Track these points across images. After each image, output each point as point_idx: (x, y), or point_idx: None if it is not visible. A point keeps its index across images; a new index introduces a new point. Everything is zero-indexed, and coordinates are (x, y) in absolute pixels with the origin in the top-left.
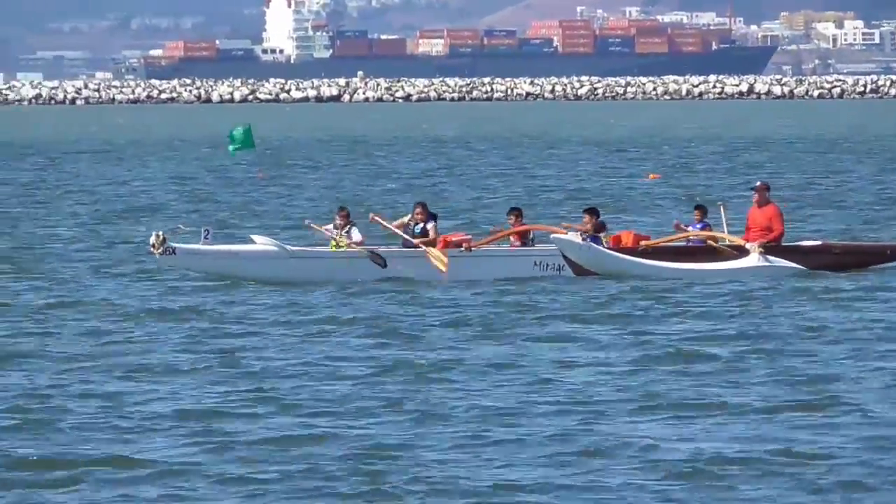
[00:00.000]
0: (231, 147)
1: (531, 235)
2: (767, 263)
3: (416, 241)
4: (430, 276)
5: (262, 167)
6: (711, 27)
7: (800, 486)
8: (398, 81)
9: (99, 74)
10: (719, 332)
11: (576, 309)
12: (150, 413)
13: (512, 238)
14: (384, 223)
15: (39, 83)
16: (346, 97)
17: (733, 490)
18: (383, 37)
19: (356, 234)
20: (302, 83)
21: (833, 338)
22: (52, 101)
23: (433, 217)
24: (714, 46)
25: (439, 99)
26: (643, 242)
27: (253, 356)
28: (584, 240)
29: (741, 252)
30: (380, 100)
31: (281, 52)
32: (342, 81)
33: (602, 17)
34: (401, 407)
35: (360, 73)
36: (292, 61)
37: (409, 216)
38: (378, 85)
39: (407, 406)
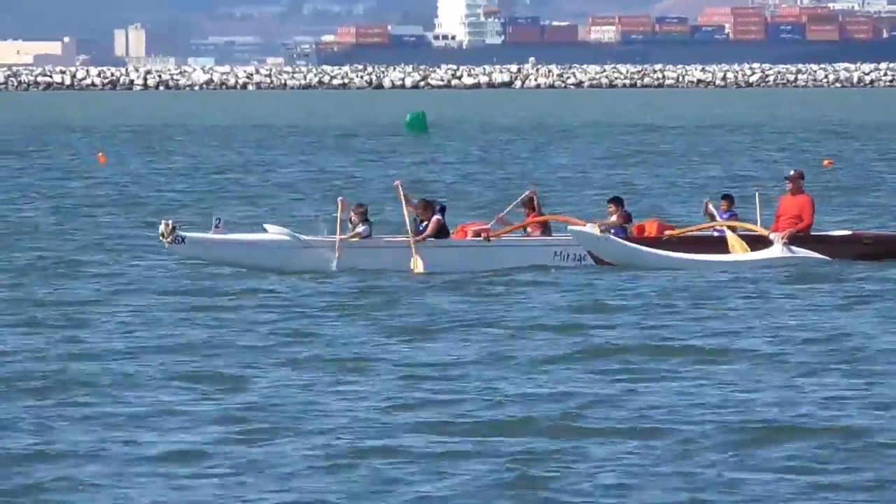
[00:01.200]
0: (407, 129)
1: (549, 225)
2: (791, 254)
3: (411, 239)
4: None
5: (433, 154)
6: (883, 14)
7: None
8: (569, 68)
9: (270, 60)
10: (736, 327)
11: (586, 301)
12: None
13: (530, 228)
14: (403, 196)
15: (211, 68)
16: (518, 84)
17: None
18: (555, 23)
19: (360, 228)
20: (473, 69)
21: (854, 332)
22: (224, 87)
23: (441, 209)
24: (886, 34)
25: (611, 86)
26: (667, 232)
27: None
28: (602, 231)
29: (765, 243)
30: (551, 86)
31: (453, 37)
32: (514, 68)
33: (773, 4)
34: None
35: (531, 59)
36: (464, 47)
37: (421, 201)
38: (549, 72)
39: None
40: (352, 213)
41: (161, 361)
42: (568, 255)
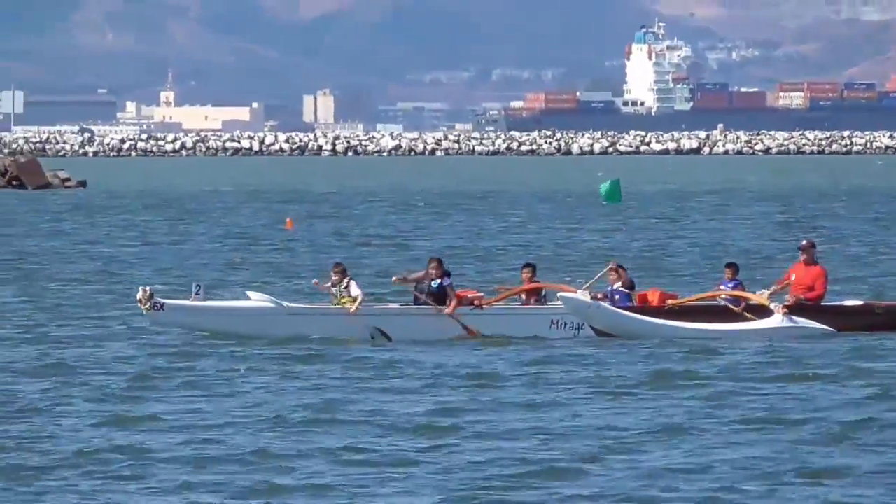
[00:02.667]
0: (603, 197)
1: (543, 293)
2: (791, 324)
3: (448, 309)
4: (436, 336)
5: (624, 221)
6: None
7: None
8: (757, 134)
9: (458, 126)
10: (725, 399)
11: (583, 373)
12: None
13: (524, 296)
14: (405, 278)
15: (399, 134)
16: (706, 150)
17: None
18: (743, 89)
19: (354, 289)
20: (662, 135)
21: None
22: (412, 153)
23: (447, 273)
24: None
25: (798, 152)
26: (669, 301)
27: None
28: (594, 299)
29: (766, 313)
30: (739, 152)
31: (642, 103)
32: (702, 134)
33: None
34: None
35: (719, 125)
36: (653, 113)
37: (424, 271)
38: (738, 138)
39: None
40: (332, 274)
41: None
42: (565, 325)
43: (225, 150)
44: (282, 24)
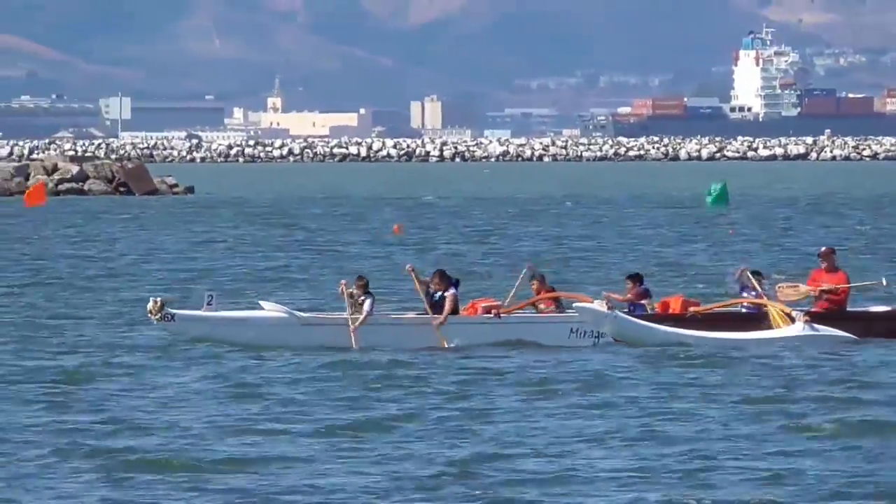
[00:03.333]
0: (708, 202)
1: (562, 302)
2: (813, 332)
3: (435, 320)
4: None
5: (734, 226)
6: None
7: None
8: (865, 140)
9: (566, 131)
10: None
11: (592, 379)
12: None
13: (544, 304)
14: (416, 279)
15: (507, 140)
16: (813, 155)
17: None
18: (850, 95)
19: (367, 305)
20: (769, 141)
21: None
22: (520, 159)
23: (455, 283)
24: None
25: None
26: (691, 308)
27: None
28: (610, 308)
29: (789, 320)
30: (847, 158)
31: (749, 109)
32: (809, 140)
33: None
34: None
35: (827, 131)
36: (760, 119)
37: (430, 278)
38: (845, 143)
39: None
40: (353, 288)
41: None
42: (584, 333)
43: (332, 156)
44: (389, 30)
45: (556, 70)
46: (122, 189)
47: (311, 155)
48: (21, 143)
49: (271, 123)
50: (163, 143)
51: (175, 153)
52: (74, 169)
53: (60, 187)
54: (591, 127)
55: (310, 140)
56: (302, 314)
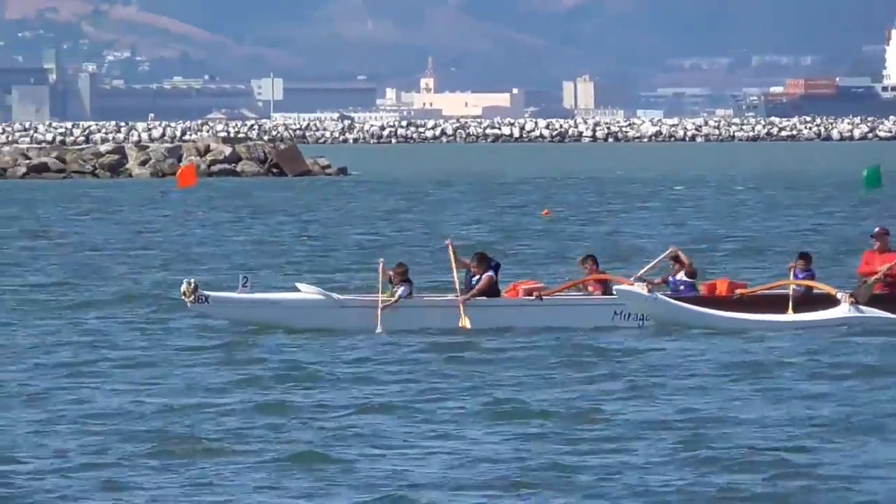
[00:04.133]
0: (864, 183)
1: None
2: (858, 314)
3: (460, 298)
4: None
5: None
6: None
7: None
8: None
9: (718, 111)
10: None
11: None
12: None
13: (590, 287)
14: (453, 256)
15: (660, 120)
16: None
17: None
18: None
19: (399, 292)
20: None
21: None
22: (672, 139)
23: (495, 267)
24: None
25: None
26: (738, 291)
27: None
28: (650, 291)
29: (833, 303)
30: None
31: None
32: None
33: None
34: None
35: None
36: None
37: (469, 259)
38: None
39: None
40: (391, 273)
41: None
42: (629, 316)
43: (485, 136)
44: (542, 10)
45: (708, 50)
46: (274, 170)
47: (463, 135)
48: (174, 124)
49: (424, 104)
50: (315, 125)
51: (327, 134)
52: (227, 150)
53: (213, 168)
54: (743, 107)
55: (462, 120)
56: (338, 296)
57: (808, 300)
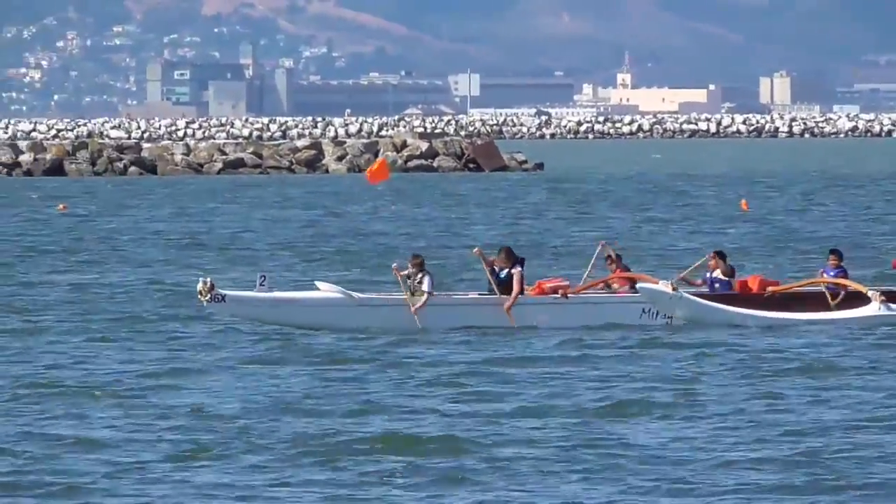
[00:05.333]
0: None
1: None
2: (889, 312)
3: (507, 307)
4: (494, 324)
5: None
6: None
7: None
8: None
9: None
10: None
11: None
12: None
13: (618, 284)
14: (484, 261)
15: (856, 116)
16: None
17: None
18: None
19: (426, 284)
20: None
21: None
22: (869, 134)
23: (520, 261)
24: None
25: None
26: (770, 288)
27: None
28: (675, 289)
29: (865, 301)
30: None
31: None
32: None
33: None
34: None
35: None
36: None
37: (497, 256)
38: None
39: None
40: (409, 265)
41: None
42: (656, 314)
43: (682, 132)
44: (739, 6)
45: None
46: (471, 165)
47: (660, 131)
48: (370, 119)
49: (620, 100)
50: (512, 120)
51: (524, 130)
52: (424, 145)
53: (410, 164)
54: None
55: (659, 116)
56: (358, 295)
57: (840, 299)
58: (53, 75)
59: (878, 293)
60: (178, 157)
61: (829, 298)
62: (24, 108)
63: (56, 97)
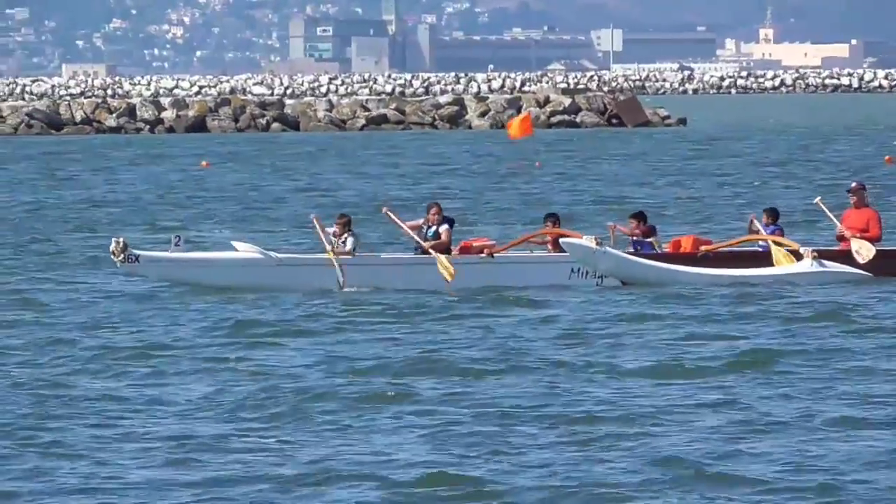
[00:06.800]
0: None
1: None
2: (821, 269)
3: (427, 244)
4: (436, 285)
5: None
6: None
7: None
8: None
9: None
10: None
11: (582, 320)
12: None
13: (550, 245)
14: (396, 220)
15: None
16: None
17: None
18: None
19: (348, 244)
20: None
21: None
22: None
23: (449, 221)
24: None
25: None
26: (703, 247)
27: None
28: (599, 244)
29: (797, 257)
30: None
31: None
32: None
33: None
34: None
35: None
36: None
37: (423, 218)
38: None
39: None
40: (335, 226)
41: None
42: (586, 273)
43: (824, 87)
44: None
45: None
46: (613, 121)
47: (802, 86)
48: (513, 75)
49: (763, 55)
50: (654, 75)
51: (667, 85)
52: (566, 101)
53: (552, 119)
54: None
55: (801, 71)
56: (277, 255)
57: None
58: (196, 31)
59: (810, 250)
60: (320, 114)
61: (764, 256)
62: (167, 64)
63: (198, 53)
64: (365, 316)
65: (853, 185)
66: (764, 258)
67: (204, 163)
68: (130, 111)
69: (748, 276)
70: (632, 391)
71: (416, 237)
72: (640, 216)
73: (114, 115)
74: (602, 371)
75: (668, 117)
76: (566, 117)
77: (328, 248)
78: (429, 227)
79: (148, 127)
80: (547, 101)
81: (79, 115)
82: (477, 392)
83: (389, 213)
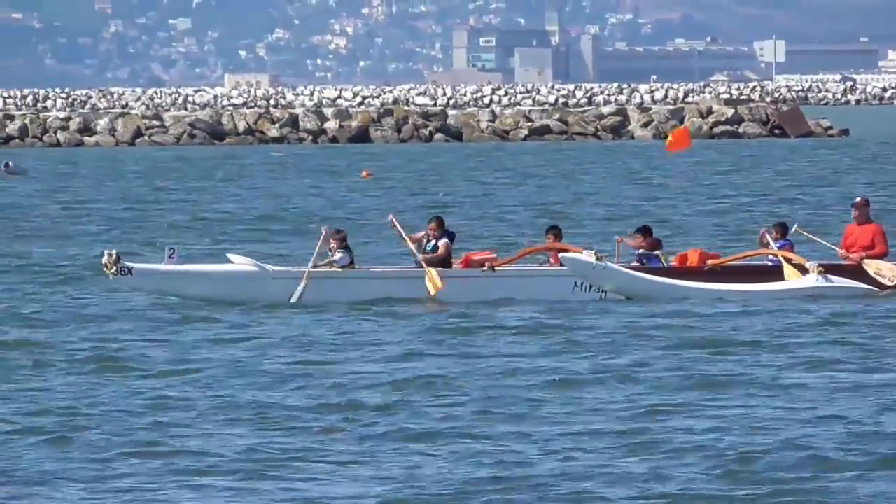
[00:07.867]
0: None
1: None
2: (827, 284)
3: (420, 256)
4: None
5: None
6: None
7: None
8: None
9: None
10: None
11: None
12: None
13: (552, 258)
14: (400, 230)
15: None
16: None
17: None
18: None
19: (336, 256)
20: None
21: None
22: None
23: (449, 235)
24: None
25: None
26: (710, 261)
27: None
28: (599, 259)
29: (803, 272)
30: None
31: None
32: None
33: None
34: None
35: None
36: None
37: (424, 232)
38: None
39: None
40: (332, 242)
41: None
42: (590, 288)
43: None
44: None
45: None
46: (776, 132)
47: None
48: (676, 86)
49: None
50: (817, 86)
51: (830, 95)
52: (729, 112)
53: (715, 130)
54: None
55: None
56: (273, 268)
57: (780, 271)
58: (359, 42)
59: (816, 265)
60: (483, 124)
61: (774, 271)
62: (329, 75)
63: (361, 64)
64: (362, 333)
65: (857, 199)
66: (772, 273)
67: (364, 172)
68: (293, 121)
69: (752, 291)
70: (637, 402)
71: (415, 250)
72: (645, 230)
73: (276, 125)
74: (602, 384)
75: (830, 128)
76: (729, 128)
77: (312, 260)
78: (428, 240)
79: (311, 137)
80: (710, 111)
81: (241, 126)
82: (475, 407)
83: (395, 221)
